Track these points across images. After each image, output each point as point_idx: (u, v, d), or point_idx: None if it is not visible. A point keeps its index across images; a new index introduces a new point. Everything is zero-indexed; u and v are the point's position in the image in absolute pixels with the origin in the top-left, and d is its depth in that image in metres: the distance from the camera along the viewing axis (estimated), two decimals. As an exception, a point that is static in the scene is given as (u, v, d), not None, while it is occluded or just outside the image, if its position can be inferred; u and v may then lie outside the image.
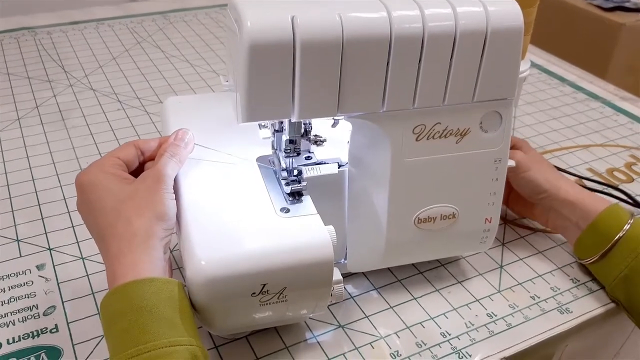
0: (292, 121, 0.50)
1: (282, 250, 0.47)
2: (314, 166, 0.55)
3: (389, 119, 0.51)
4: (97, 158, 0.80)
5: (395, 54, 0.47)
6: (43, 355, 0.53)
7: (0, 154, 0.80)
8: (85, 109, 0.92)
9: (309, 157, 0.57)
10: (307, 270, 0.47)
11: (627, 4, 1.77)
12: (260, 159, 0.56)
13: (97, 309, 0.57)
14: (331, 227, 0.49)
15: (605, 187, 0.78)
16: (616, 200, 0.75)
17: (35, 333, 0.55)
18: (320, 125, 0.55)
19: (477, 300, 0.60)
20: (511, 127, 0.55)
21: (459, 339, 0.56)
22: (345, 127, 0.54)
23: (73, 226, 0.68)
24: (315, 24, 0.45)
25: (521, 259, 0.66)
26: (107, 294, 0.44)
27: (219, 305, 0.47)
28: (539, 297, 0.61)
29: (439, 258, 0.64)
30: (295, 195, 0.52)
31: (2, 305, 0.57)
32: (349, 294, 0.60)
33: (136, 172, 0.52)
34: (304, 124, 0.53)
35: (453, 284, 0.62)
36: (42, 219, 0.69)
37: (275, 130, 0.55)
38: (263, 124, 0.55)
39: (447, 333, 0.56)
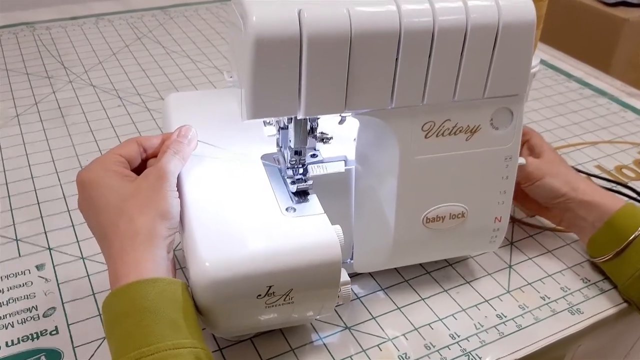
0: (298, 118, 0.48)
1: (289, 251, 0.45)
2: (320, 164, 0.54)
3: (397, 116, 0.49)
4: (97, 155, 0.78)
5: (404, 49, 0.46)
6: (43, 358, 0.51)
7: (-2, 151, 0.79)
8: (85, 106, 0.90)
9: (314, 154, 0.55)
10: (314, 272, 0.46)
11: (630, -1, 1.76)
12: (264, 157, 0.55)
13: (99, 310, 0.56)
14: (338, 227, 0.48)
15: (615, 184, 0.77)
16: (626, 198, 0.74)
17: (34, 335, 0.53)
18: (326, 123, 0.54)
19: (486, 301, 0.59)
20: (522, 124, 0.54)
21: (469, 341, 0.55)
22: (351, 124, 0.53)
23: (73, 225, 0.66)
24: (322, 18, 0.43)
25: (530, 259, 0.65)
26: (109, 294, 0.43)
27: (224, 308, 0.45)
28: (549, 298, 0.60)
29: (447, 258, 0.63)
30: (301, 195, 0.51)
31: (1, 306, 0.56)
32: (355, 294, 0.59)
33: (138, 169, 0.51)
34: (310, 121, 0.51)
35: (461, 284, 0.61)
36: (42, 217, 0.68)
37: (280, 127, 0.53)
38: (268, 121, 0.54)
39: (456, 335, 0.55)
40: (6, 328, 0.54)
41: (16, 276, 0.60)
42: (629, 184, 0.77)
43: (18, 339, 0.53)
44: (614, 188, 0.76)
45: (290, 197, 0.51)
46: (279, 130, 0.54)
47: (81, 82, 0.97)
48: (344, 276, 0.49)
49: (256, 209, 0.49)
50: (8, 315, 0.55)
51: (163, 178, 0.47)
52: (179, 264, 0.60)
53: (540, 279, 0.62)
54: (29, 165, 0.76)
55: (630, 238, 0.57)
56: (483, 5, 0.47)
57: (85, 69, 1.01)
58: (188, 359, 0.40)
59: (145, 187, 0.47)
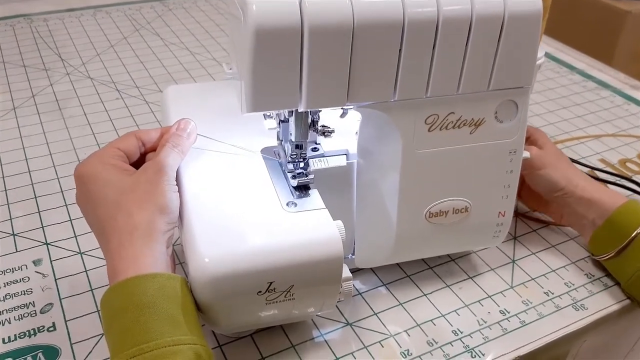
0: (299, 111, 0.47)
1: (290, 246, 0.45)
2: (321, 158, 0.53)
3: (400, 109, 0.48)
4: (95, 149, 0.78)
5: (408, 40, 0.45)
6: (40, 355, 0.51)
7: (-5, 144, 0.78)
8: (83, 98, 0.89)
9: (315, 148, 0.54)
10: (315, 268, 0.45)
11: (633, -9, 1.74)
12: (265, 150, 0.54)
13: (96, 306, 0.55)
14: (340, 222, 0.47)
15: (618, 178, 0.76)
16: (630, 192, 0.73)
17: (31, 332, 0.53)
18: (328, 116, 0.53)
19: (489, 297, 0.58)
20: (527, 117, 0.53)
21: (472, 337, 0.54)
22: (353, 116, 0.52)
23: (71, 220, 0.65)
24: (324, 7, 0.42)
25: (534, 254, 0.64)
26: (108, 290, 0.42)
27: (223, 304, 0.45)
28: (553, 293, 0.59)
29: (449, 253, 0.62)
30: (302, 189, 0.50)
31: (-2, 302, 0.56)
32: (357, 290, 0.58)
33: (137, 163, 0.50)
34: (311, 114, 0.50)
35: (464, 280, 0.60)
36: (39, 212, 0.67)
37: (280, 120, 0.52)
38: (268, 114, 0.53)
39: (459, 331, 0.55)
40: (2, 325, 0.53)
41: (13, 272, 0.59)
42: (633, 178, 0.76)
43: (15, 335, 0.52)
44: (618, 182, 0.75)
45: (291, 191, 0.50)
46: (279, 124, 0.53)
47: (79, 75, 0.96)
48: (346, 272, 0.48)
49: (256, 204, 0.48)
50: (5, 312, 0.54)
51: (162, 172, 0.46)
52: (178, 259, 0.59)
53: (544, 274, 0.61)
54: (26, 159, 0.75)
55: (632, 235, 0.56)
56: (488, -4, 0.46)
57: (82, 61, 1.00)
58: (187, 355, 0.40)
59: (144, 181, 0.46)
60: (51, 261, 0.60)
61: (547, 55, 1.10)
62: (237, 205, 0.48)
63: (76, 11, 1.19)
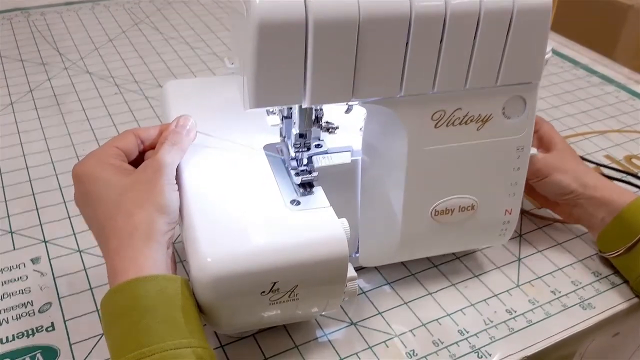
0: (303, 107, 0.46)
1: (294, 245, 0.44)
2: (325, 155, 0.52)
3: (406, 105, 0.47)
4: (94, 144, 0.77)
5: (415, 34, 0.44)
6: (39, 355, 0.50)
7: (-8, 140, 0.77)
8: (81, 93, 0.88)
9: (318, 145, 0.53)
10: (320, 267, 0.44)
11: (636, -15, 1.73)
12: (267, 147, 0.53)
13: (96, 306, 0.54)
14: (344, 221, 0.46)
15: (624, 174, 0.75)
16: (636, 189, 0.72)
17: (30, 332, 0.52)
18: (332, 112, 0.51)
19: (496, 296, 0.57)
20: (535, 113, 0.52)
21: (478, 337, 0.53)
22: (357, 112, 0.51)
23: (69, 217, 0.64)
24: (329, 1, 0.41)
25: (540, 251, 0.63)
26: (108, 292, 0.41)
27: (226, 305, 0.44)
28: (559, 292, 0.58)
29: (455, 251, 0.61)
30: (306, 187, 0.49)
31: (-5, 301, 0.55)
32: (361, 289, 0.57)
33: (136, 162, 0.49)
34: (315, 110, 0.49)
35: (469, 278, 0.59)
36: (37, 209, 0.66)
37: (283, 116, 0.51)
38: (271, 109, 0.52)
39: (465, 331, 0.54)
40: (0, 324, 0.52)
41: (10, 270, 0.58)
42: (639, 174, 0.75)
43: (13, 335, 0.51)
44: (624, 178, 0.74)
45: (295, 189, 0.49)
46: (282, 120, 0.52)
47: (77, 69, 0.94)
48: (351, 272, 0.47)
49: (259, 202, 0.47)
50: (2, 311, 0.53)
51: (161, 171, 0.45)
52: (178, 257, 0.58)
53: (550, 273, 0.60)
54: (24, 155, 0.74)
55: None
56: (497, -11, 0.45)
57: (81, 56, 0.99)
58: (189, 359, 0.39)
59: (143, 181, 0.45)
60: (49, 259, 0.59)
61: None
62: (240, 203, 0.47)
63: (74, 5, 1.17)
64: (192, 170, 0.49)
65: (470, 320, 0.55)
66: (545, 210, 0.68)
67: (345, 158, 0.52)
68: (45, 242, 0.61)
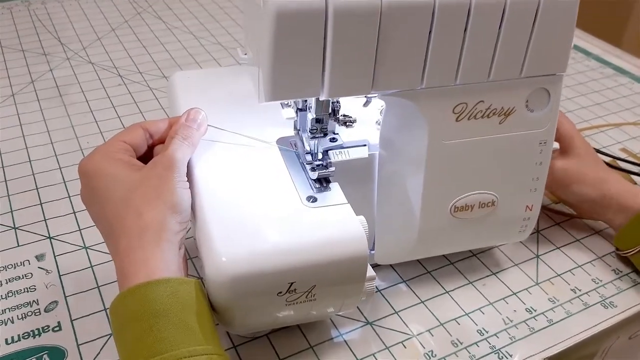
0: (320, 99, 0.44)
1: (312, 244, 0.42)
2: (341, 150, 0.50)
3: (427, 97, 0.45)
4: (98, 137, 0.75)
5: (438, 24, 0.42)
6: (45, 356, 0.48)
7: (-6, 133, 0.75)
8: (84, 84, 0.86)
9: (333, 139, 0.51)
10: (339, 267, 0.42)
11: (644, -26, 1.70)
12: (280, 141, 0.51)
13: (104, 304, 0.53)
14: (362, 218, 0.44)
15: (642, 168, 0.73)
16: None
17: (36, 332, 0.50)
18: (349, 104, 0.50)
19: (514, 294, 0.56)
20: (559, 106, 0.50)
21: (498, 337, 0.52)
22: (373, 105, 0.49)
23: (74, 212, 0.63)
24: (349, -11, 0.39)
25: (558, 248, 0.61)
26: (117, 296, 0.39)
27: (241, 305, 0.42)
28: (580, 290, 0.56)
29: (473, 248, 0.59)
30: (322, 182, 0.47)
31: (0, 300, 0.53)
32: (376, 287, 0.55)
33: (145, 156, 0.47)
34: (332, 102, 0.47)
35: (487, 276, 0.57)
36: (41, 204, 0.64)
37: (298, 109, 0.49)
38: (287, 102, 0.50)
39: (485, 330, 0.52)
40: (5, 324, 0.51)
41: (15, 267, 0.56)
42: (657, 168, 0.73)
43: (18, 335, 0.50)
44: (641, 172, 0.72)
45: (311, 185, 0.47)
46: (297, 112, 0.50)
47: (79, 60, 0.92)
48: (370, 271, 0.45)
49: (275, 198, 0.45)
50: (7, 310, 0.52)
51: (172, 167, 0.43)
52: (188, 254, 0.57)
53: (569, 270, 0.59)
54: (26, 148, 0.72)
55: None
56: (523, -24, 0.43)
57: (83, 46, 0.96)
58: (204, 365, 0.37)
59: (153, 178, 0.43)
60: (55, 256, 0.57)
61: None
62: (254, 200, 0.45)
63: (75, -7, 1.15)
64: (203, 166, 0.47)
65: (489, 320, 0.53)
66: (563, 205, 0.66)
67: (362, 153, 0.50)
68: (50, 238, 0.59)
